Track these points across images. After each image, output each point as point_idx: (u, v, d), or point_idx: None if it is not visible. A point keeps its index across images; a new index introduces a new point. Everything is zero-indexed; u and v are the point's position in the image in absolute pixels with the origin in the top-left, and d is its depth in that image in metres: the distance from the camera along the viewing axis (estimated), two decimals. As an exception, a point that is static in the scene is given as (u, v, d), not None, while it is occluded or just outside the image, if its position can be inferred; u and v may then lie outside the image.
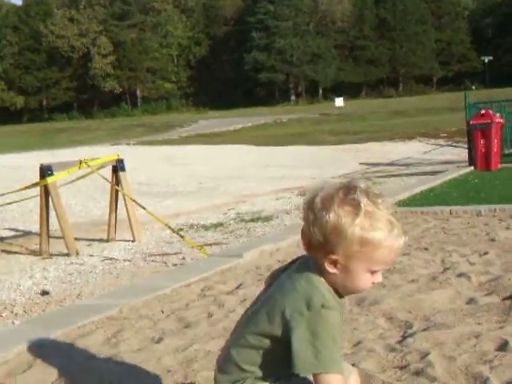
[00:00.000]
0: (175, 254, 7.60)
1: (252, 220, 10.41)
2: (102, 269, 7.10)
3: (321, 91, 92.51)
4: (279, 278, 1.94)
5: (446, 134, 31.80)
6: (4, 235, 10.59)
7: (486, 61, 61.09)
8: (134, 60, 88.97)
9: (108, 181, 8.91)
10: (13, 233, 10.79)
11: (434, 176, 14.42)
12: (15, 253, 9.02)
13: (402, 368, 2.86)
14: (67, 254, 8.41)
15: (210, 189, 17.68)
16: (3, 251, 9.22)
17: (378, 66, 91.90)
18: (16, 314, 5.26)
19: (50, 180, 8.54)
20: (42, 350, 3.41)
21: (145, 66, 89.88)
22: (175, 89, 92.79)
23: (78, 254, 8.45)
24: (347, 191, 1.76)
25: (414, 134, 33.11)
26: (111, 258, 7.86)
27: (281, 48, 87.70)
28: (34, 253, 8.80)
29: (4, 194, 9.85)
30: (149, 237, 9.50)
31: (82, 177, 9.83)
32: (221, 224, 10.29)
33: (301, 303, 1.77)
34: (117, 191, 9.39)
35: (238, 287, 4.66)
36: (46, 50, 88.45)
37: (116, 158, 9.50)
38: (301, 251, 5.64)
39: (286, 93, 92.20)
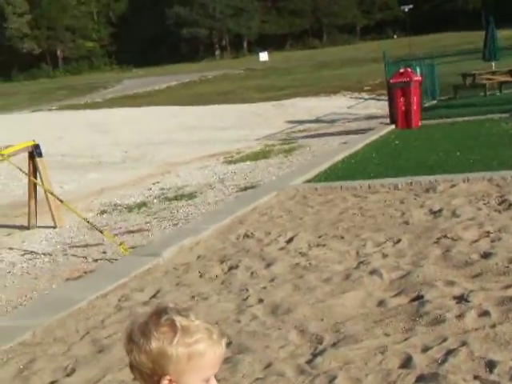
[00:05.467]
0: (96, 245, 7.51)
1: (175, 198, 10.37)
2: (20, 267, 6.95)
3: (245, 44, 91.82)
4: None
5: (369, 87, 32.14)
6: None
7: (407, 10, 61.72)
8: (52, 19, 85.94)
9: (24, 172, 8.66)
10: None
11: (357, 137, 14.67)
12: None
13: (309, 395, 2.92)
14: (-16, 248, 8.22)
15: (135, 158, 17.49)
16: None
17: (302, 17, 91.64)
18: None
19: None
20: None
21: (64, 24, 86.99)
22: (97, 47, 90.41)
23: (-4, 247, 8.26)
24: (159, 314, 1.83)
25: (339, 88, 33.36)
26: (31, 252, 7.70)
27: (203, 2, 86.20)
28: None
29: None
30: (71, 221, 9.25)
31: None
32: (144, 204, 10.22)
33: None
34: (35, 177, 9.19)
35: (155, 295, 4.65)
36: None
37: (32, 143, 9.26)
38: (221, 243, 5.65)
39: (210, 47, 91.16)
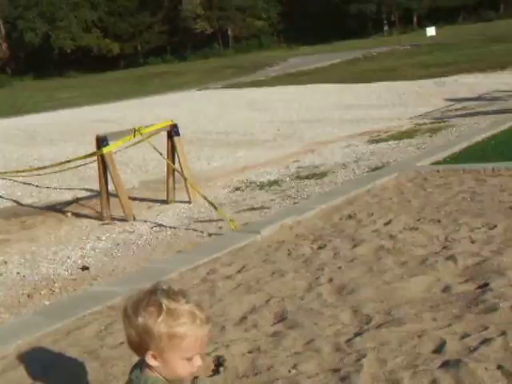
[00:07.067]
0: (217, 221, 7.92)
1: (307, 177, 10.60)
2: (145, 239, 7.53)
3: (415, 19, 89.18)
4: None
5: (544, 62, 30.18)
6: (80, 196, 11.24)
7: None
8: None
9: (159, 152, 9.24)
10: (88, 193, 11.34)
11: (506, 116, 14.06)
12: (83, 216, 9.59)
13: (334, 371, 3.05)
14: (125, 219, 8.93)
15: (285, 136, 17.85)
16: (74, 214, 9.86)
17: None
18: (53, 291, 5.78)
19: (105, 150, 9.02)
20: (37, 346, 3.82)
21: (234, 4, 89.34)
22: (266, 26, 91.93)
23: (134, 219, 8.95)
24: (150, 295, 2.07)
25: (508, 64, 31.60)
26: (160, 225, 8.28)
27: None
28: (99, 216, 9.30)
29: (68, 161, 10.49)
30: (207, 196, 9.70)
31: (138, 142, 10.21)
32: (276, 182, 10.54)
33: None
34: (173, 156, 9.79)
35: (239, 270, 4.93)
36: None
37: (169, 123, 9.86)
38: (322, 223, 5.78)
39: (378, 23, 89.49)
